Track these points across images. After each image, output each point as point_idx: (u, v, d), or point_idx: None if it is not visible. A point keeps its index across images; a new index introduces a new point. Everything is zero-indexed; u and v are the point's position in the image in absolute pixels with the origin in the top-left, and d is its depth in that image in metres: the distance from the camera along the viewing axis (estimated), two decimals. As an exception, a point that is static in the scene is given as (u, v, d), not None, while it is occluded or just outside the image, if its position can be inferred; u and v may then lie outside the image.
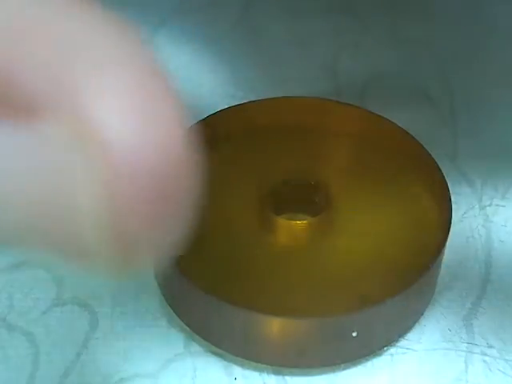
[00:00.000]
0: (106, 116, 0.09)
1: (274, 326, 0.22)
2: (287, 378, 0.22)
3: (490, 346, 0.23)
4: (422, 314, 0.23)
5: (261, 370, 0.22)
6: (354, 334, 0.22)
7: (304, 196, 0.25)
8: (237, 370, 0.22)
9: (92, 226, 0.10)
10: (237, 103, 0.27)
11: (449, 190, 0.24)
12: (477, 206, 0.26)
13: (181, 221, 0.10)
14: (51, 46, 0.10)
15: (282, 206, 0.25)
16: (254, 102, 0.27)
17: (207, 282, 0.22)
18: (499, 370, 0.22)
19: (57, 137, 0.10)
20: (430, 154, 0.25)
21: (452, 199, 0.24)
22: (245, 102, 0.27)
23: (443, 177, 0.24)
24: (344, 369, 0.22)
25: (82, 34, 0.10)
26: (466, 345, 0.23)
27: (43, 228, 0.10)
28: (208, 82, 0.30)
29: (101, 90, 0.09)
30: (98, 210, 0.10)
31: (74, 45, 0.10)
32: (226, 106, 0.27)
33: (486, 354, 0.23)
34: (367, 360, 0.22)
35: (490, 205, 0.26)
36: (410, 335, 0.23)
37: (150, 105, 0.10)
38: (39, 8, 0.10)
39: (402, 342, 0.23)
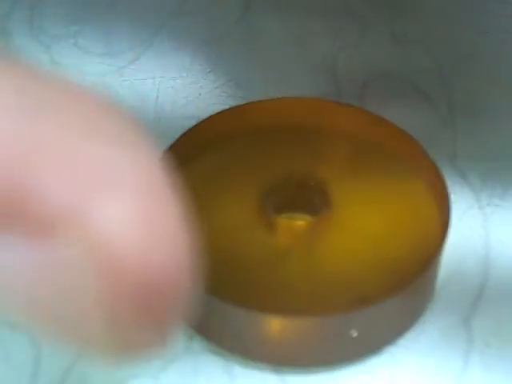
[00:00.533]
0: (116, 232, 0.10)
1: (274, 325, 0.22)
2: (287, 377, 0.22)
3: (489, 346, 0.23)
4: (422, 314, 0.23)
5: (261, 370, 0.22)
6: (354, 334, 0.22)
7: (304, 196, 0.25)
8: (237, 370, 0.22)
9: (99, 326, 0.10)
10: (237, 103, 0.27)
11: (448, 191, 0.24)
12: (476, 206, 0.26)
13: (184, 316, 0.11)
14: (68, 165, 0.10)
15: (282, 205, 0.25)
16: (253, 102, 0.27)
17: (207, 281, 0.22)
18: (498, 369, 0.22)
19: (67, 250, 0.10)
20: (429, 155, 0.25)
21: (451, 199, 0.24)
22: (245, 102, 0.27)
23: (442, 177, 0.24)
24: (344, 368, 0.22)
25: (101, 157, 0.10)
26: (465, 344, 0.23)
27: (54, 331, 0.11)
28: (208, 82, 0.30)
29: (111, 210, 0.10)
30: (105, 312, 0.10)
31: (90, 161, 0.10)
32: (226, 107, 0.27)
33: (485, 354, 0.23)
34: (367, 359, 0.23)
35: (489, 205, 0.26)
36: (410, 335, 0.23)
37: (158, 221, 0.10)
38: (67, 126, 0.10)
39: (402, 342, 0.23)
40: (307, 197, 0.25)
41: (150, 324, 0.11)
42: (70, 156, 0.10)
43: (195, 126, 0.26)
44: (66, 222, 0.10)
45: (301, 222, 0.24)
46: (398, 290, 0.22)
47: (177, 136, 0.25)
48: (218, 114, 0.26)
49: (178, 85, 0.30)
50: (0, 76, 0.10)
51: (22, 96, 0.10)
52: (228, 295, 0.21)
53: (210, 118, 0.26)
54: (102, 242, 0.10)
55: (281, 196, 0.25)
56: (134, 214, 0.10)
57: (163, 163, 0.11)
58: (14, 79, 0.10)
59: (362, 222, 0.24)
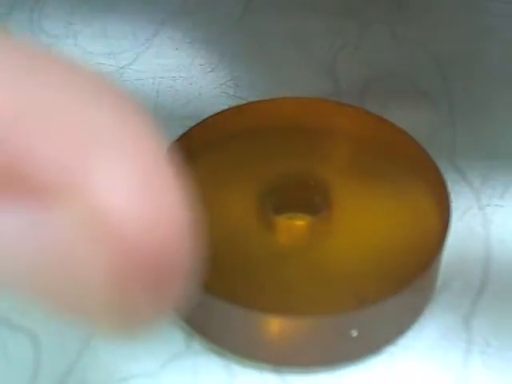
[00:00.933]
0: (114, 199, 0.10)
1: (274, 325, 0.22)
2: (287, 377, 0.22)
3: (489, 345, 0.23)
4: (422, 313, 0.23)
5: (261, 369, 0.22)
6: (354, 334, 0.22)
7: (304, 196, 0.25)
8: (237, 369, 0.22)
9: (100, 295, 0.10)
10: (237, 103, 0.27)
11: (448, 190, 0.24)
12: (476, 206, 0.26)
13: (185, 284, 0.11)
14: (67, 130, 0.10)
15: (281, 205, 0.25)
16: (253, 102, 0.27)
17: (207, 281, 0.22)
18: (498, 368, 0.22)
19: (66, 217, 0.10)
20: (429, 154, 0.25)
21: (451, 199, 0.24)
22: (245, 102, 0.27)
23: (442, 177, 0.24)
24: (344, 368, 0.22)
25: (100, 122, 0.10)
26: (465, 344, 0.23)
27: (55, 301, 0.11)
28: (208, 82, 0.30)
29: (110, 176, 0.10)
30: (106, 282, 0.10)
31: (90, 131, 0.10)
32: (226, 107, 0.27)
33: (484, 353, 0.23)
34: (367, 359, 0.23)
35: (488, 205, 0.26)
36: (410, 334, 0.23)
37: (156, 190, 0.10)
38: (62, 92, 0.10)
39: (402, 341, 0.23)
40: (307, 197, 0.25)
41: (150, 293, 0.10)
42: (68, 120, 0.10)
43: (195, 125, 0.26)
44: (64, 188, 0.10)
45: (301, 221, 0.24)
46: (397, 289, 0.22)
47: (177, 136, 0.25)
48: (218, 114, 0.26)
49: (178, 85, 0.30)
50: None
51: (20, 65, 0.10)
52: (228, 295, 0.21)
53: (210, 118, 0.26)
54: (101, 209, 0.10)
55: (281, 196, 0.25)
56: (133, 180, 0.10)
57: (161, 140, 0.11)
58: (13, 53, 0.10)
59: (362, 222, 0.24)
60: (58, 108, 0.10)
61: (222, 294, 0.21)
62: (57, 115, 0.10)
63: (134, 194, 0.10)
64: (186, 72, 0.30)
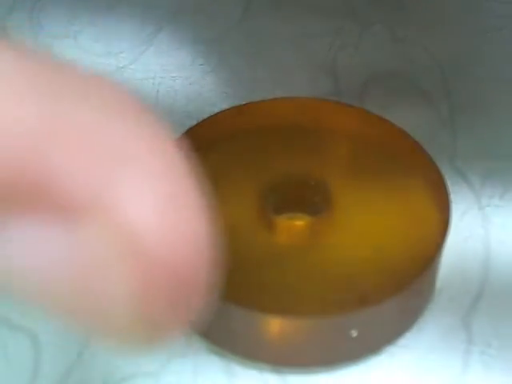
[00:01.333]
0: (139, 216, 0.10)
1: (274, 325, 0.22)
2: (287, 377, 0.22)
3: (489, 346, 0.23)
4: (421, 314, 0.23)
5: (261, 370, 0.22)
6: (354, 334, 0.22)
7: (304, 196, 0.25)
8: (237, 370, 0.22)
9: (123, 310, 0.11)
10: (237, 103, 0.27)
11: (448, 191, 0.24)
12: (476, 206, 0.26)
13: (205, 298, 0.11)
14: (91, 148, 0.10)
15: (281, 205, 0.25)
16: (253, 102, 0.27)
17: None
18: (498, 369, 0.22)
19: (93, 235, 0.10)
20: (428, 155, 0.25)
21: (451, 199, 0.24)
22: (245, 102, 0.27)
23: (442, 177, 0.24)
24: (344, 368, 0.22)
25: (124, 138, 0.10)
26: (464, 344, 0.23)
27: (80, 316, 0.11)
28: (208, 82, 0.30)
29: (135, 193, 0.10)
30: (129, 297, 0.10)
31: (114, 148, 0.10)
32: (226, 107, 0.27)
33: (484, 353, 0.23)
34: (367, 359, 0.23)
35: (488, 205, 0.26)
36: (410, 334, 0.23)
37: (178, 206, 0.11)
38: (86, 108, 0.10)
39: (402, 341, 0.23)
40: (307, 197, 0.25)
41: (172, 308, 0.11)
42: (93, 137, 0.10)
43: (195, 125, 0.26)
44: (91, 206, 0.10)
45: (301, 221, 0.24)
46: (397, 290, 0.22)
47: (177, 136, 0.25)
48: (218, 113, 0.26)
49: (178, 85, 0.30)
50: (17, 62, 0.10)
51: (41, 80, 0.10)
52: (228, 295, 0.21)
53: (210, 118, 0.26)
54: (127, 226, 0.10)
55: (281, 196, 0.25)
56: (157, 197, 0.10)
57: (181, 149, 0.11)
58: (32, 66, 0.10)
59: (362, 221, 0.24)
60: (82, 124, 0.10)
61: (222, 294, 0.21)
62: (81, 132, 0.10)
63: (159, 210, 0.10)
64: (186, 72, 0.30)
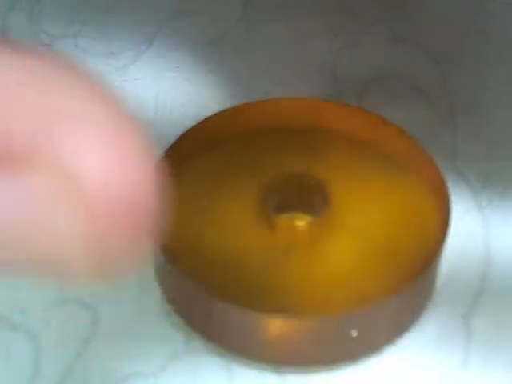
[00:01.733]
0: (82, 163, 0.11)
1: (274, 325, 0.22)
2: (287, 377, 0.22)
3: (489, 345, 0.23)
4: (422, 313, 0.23)
5: (261, 369, 0.22)
6: (354, 334, 0.22)
7: (304, 196, 0.25)
8: (237, 369, 0.22)
9: (74, 246, 0.11)
10: (237, 103, 0.27)
11: (448, 190, 0.24)
12: (476, 207, 0.26)
13: (152, 230, 0.12)
14: (33, 104, 0.11)
15: (281, 205, 0.25)
16: (253, 102, 0.27)
17: (207, 281, 0.22)
18: (498, 368, 0.22)
19: (39, 181, 0.11)
20: (429, 155, 0.25)
21: (451, 199, 0.24)
22: (244, 102, 0.27)
23: (442, 177, 0.24)
24: (344, 368, 0.22)
25: (68, 103, 0.11)
26: (464, 344, 0.23)
27: (31, 256, 0.12)
28: (208, 82, 0.30)
29: (77, 142, 0.11)
30: (78, 233, 0.11)
31: (54, 110, 0.11)
32: (226, 107, 0.27)
33: (484, 353, 0.23)
34: (367, 359, 0.23)
35: (489, 205, 0.26)
36: (410, 334, 0.23)
37: (121, 149, 0.11)
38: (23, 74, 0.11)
39: (402, 341, 0.23)
40: (307, 197, 0.25)
41: (123, 238, 0.11)
42: (31, 99, 0.11)
43: (195, 125, 0.26)
44: (37, 154, 0.11)
45: (301, 221, 0.24)
46: (397, 289, 0.22)
47: (177, 136, 0.25)
48: (218, 113, 0.26)
49: (178, 85, 0.30)
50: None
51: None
52: (228, 295, 0.21)
53: (210, 118, 0.26)
54: (72, 169, 0.11)
55: (281, 196, 0.25)
56: (97, 141, 0.11)
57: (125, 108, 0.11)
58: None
59: (361, 221, 0.24)
60: (22, 87, 0.11)
61: (222, 294, 0.21)
62: (22, 93, 0.11)
63: (100, 154, 0.11)
64: (185, 72, 0.30)
